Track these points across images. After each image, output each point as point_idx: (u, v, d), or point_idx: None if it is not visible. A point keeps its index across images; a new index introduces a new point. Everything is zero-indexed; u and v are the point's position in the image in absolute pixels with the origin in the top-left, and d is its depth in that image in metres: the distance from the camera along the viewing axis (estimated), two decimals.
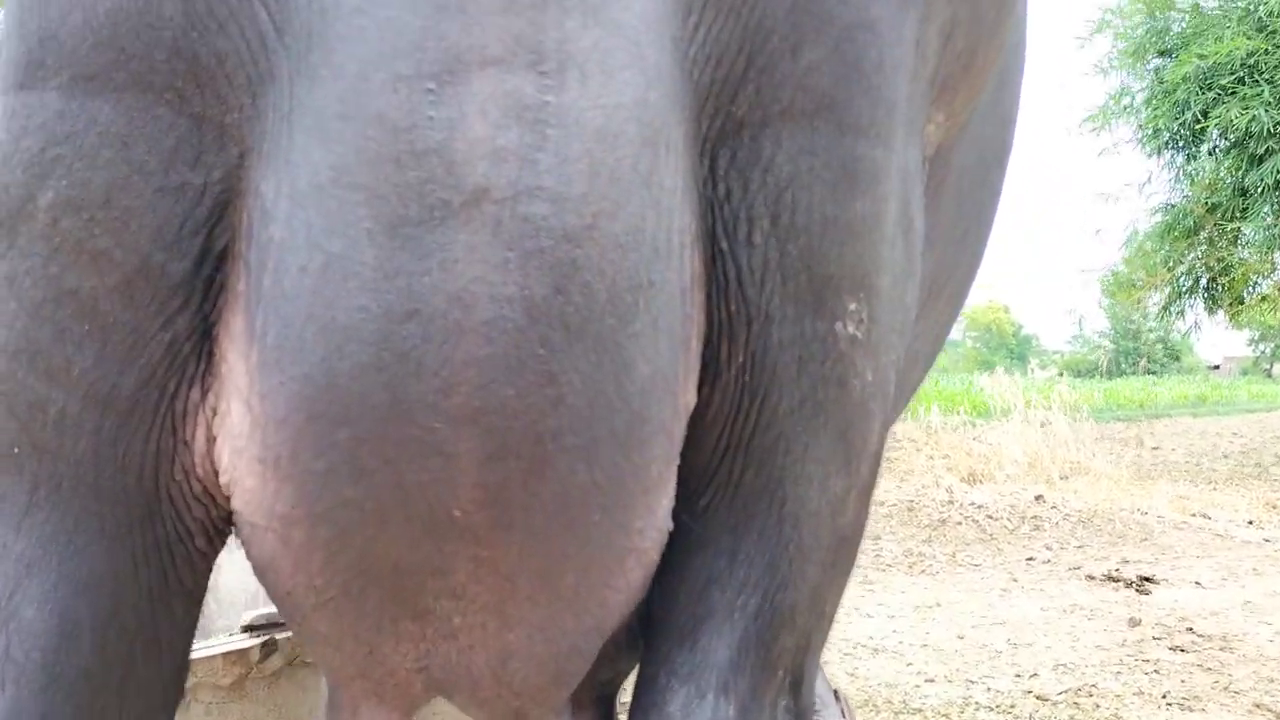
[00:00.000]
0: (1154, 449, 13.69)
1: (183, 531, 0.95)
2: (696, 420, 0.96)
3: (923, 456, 10.41)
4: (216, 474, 0.92)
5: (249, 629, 2.71)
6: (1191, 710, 3.62)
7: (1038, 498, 7.94)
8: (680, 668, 1.03)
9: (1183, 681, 3.98)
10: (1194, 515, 7.84)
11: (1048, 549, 6.93)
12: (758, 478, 0.99)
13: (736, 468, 0.99)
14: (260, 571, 0.96)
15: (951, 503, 7.84)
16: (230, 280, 0.85)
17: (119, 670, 0.94)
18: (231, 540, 0.99)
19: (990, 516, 7.55)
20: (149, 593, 0.95)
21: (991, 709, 3.71)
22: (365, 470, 0.84)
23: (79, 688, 0.92)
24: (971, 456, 10.35)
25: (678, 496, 0.98)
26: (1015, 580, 6.09)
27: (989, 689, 3.96)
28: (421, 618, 0.95)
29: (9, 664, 0.89)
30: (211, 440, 0.91)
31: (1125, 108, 11.61)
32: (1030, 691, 3.91)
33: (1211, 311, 12.87)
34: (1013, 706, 3.73)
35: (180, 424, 0.90)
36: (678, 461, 0.97)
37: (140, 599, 0.94)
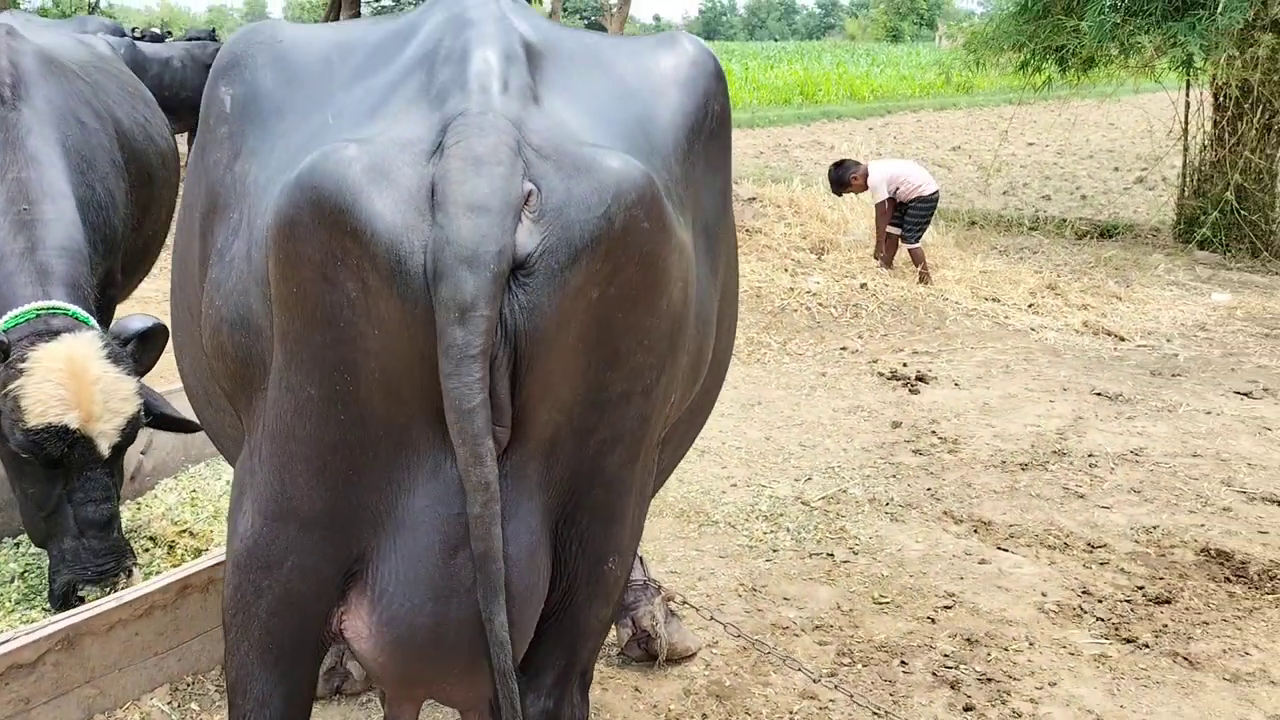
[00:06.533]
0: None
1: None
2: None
3: (782, 225, 11.72)
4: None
5: None
6: (896, 520, 5.20)
7: (862, 285, 9.42)
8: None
9: (907, 488, 5.55)
10: (986, 300, 9.48)
11: (860, 338, 8.47)
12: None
13: None
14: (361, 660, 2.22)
15: (792, 290, 9.26)
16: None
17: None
18: None
19: (821, 304, 9.02)
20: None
21: (766, 517, 5.22)
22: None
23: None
24: (825, 223, 11.74)
25: None
26: (824, 375, 7.63)
27: (770, 496, 5.48)
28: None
29: None
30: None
31: None
32: (799, 498, 5.44)
33: None
34: (781, 515, 5.24)
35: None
36: None
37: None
